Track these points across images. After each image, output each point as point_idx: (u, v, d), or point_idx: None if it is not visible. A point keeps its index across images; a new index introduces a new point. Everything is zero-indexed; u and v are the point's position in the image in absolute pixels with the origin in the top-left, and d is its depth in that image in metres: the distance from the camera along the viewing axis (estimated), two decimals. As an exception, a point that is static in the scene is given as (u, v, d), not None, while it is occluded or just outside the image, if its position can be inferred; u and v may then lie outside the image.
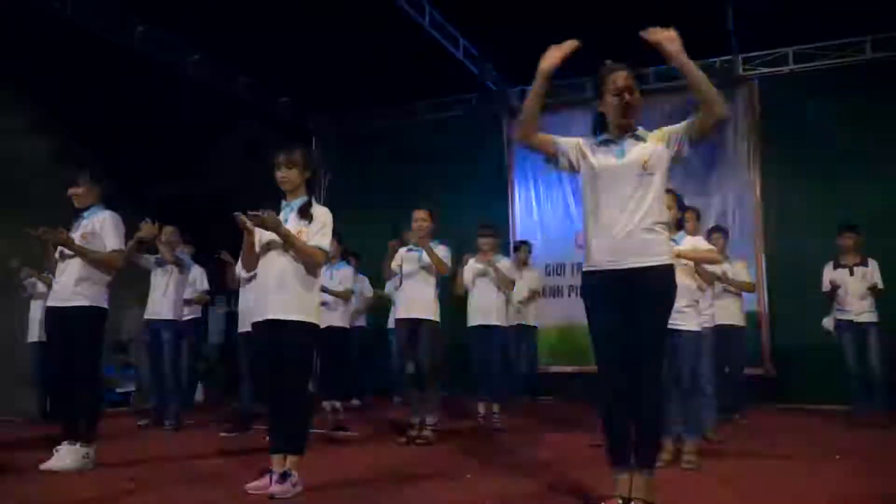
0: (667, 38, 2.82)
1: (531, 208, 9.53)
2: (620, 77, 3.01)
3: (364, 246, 8.14)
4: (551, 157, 3.16)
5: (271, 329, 3.57)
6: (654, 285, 2.94)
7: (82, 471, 4.04)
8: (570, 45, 2.95)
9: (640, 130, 3.06)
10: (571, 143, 3.13)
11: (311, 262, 3.60)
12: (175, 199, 8.12)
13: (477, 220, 6.82)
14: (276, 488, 3.42)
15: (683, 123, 2.99)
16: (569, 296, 9.10)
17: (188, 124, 8.58)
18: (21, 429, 5.97)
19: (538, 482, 3.69)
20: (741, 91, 8.58)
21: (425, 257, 5.34)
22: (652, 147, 3.00)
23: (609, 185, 3.00)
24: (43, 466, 4.02)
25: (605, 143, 3.08)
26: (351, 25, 7.52)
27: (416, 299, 5.37)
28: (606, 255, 2.98)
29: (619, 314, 2.95)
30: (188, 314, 6.77)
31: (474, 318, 6.24)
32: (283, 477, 3.47)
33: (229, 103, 9.09)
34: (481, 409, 6.18)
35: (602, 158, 3.05)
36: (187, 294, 6.61)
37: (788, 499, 3.44)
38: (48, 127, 7.49)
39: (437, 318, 5.40)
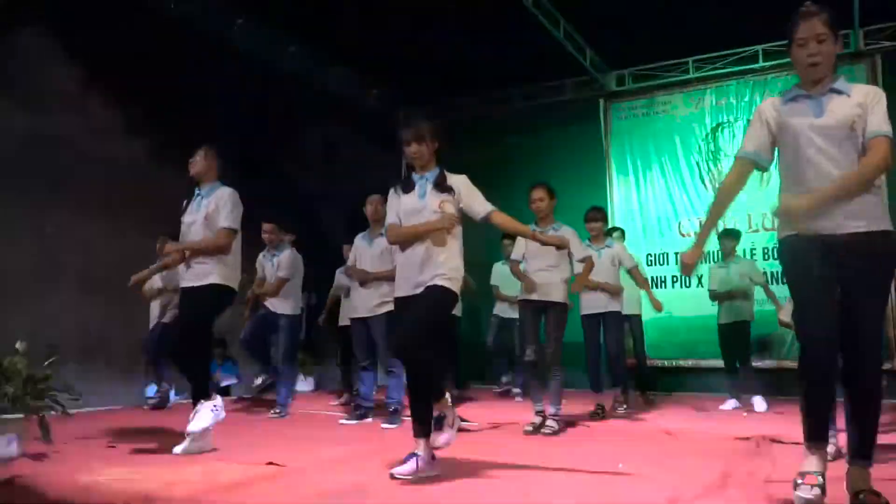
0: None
1: (630, 196, 9.18)
2: (805, 27, 2.72)
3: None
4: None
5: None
6: (872, 253, 2.61)
7: (218, 422, 4.12)
8: None
9: (841, 82, 2.73)
10: (761, 134, 2.83)
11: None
12: (271, 193, 8.07)
13: (574, 207, 6.53)
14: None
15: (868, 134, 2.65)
16: (672, 286, 8.75)
17: (280, 117, 8.60)
18: (131, 417, 5.96)
19: (705, 474, 3.38)
20: (862, 67, 8.03)
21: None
22: (857, 101, 2.67)
23: (809, 145, 2.68)
24: (176, 450, 3.97)
25: (797, 99, 2.77)
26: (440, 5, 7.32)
27: (543, 281, 5.05)
28: (812, 219, 2.65)
29: (830, 285, 2.63)
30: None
31: (586, 307, 6.05)
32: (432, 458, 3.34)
33: (320, 95, 9.07)
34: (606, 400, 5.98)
35: (796, 118, 2.74)
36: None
37: None
38: (144, 126, 7.44)
39: (567, 302, 5.10)
